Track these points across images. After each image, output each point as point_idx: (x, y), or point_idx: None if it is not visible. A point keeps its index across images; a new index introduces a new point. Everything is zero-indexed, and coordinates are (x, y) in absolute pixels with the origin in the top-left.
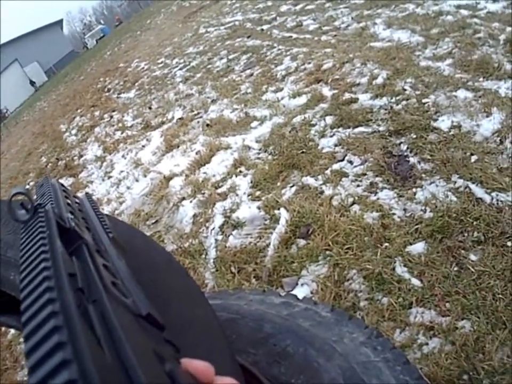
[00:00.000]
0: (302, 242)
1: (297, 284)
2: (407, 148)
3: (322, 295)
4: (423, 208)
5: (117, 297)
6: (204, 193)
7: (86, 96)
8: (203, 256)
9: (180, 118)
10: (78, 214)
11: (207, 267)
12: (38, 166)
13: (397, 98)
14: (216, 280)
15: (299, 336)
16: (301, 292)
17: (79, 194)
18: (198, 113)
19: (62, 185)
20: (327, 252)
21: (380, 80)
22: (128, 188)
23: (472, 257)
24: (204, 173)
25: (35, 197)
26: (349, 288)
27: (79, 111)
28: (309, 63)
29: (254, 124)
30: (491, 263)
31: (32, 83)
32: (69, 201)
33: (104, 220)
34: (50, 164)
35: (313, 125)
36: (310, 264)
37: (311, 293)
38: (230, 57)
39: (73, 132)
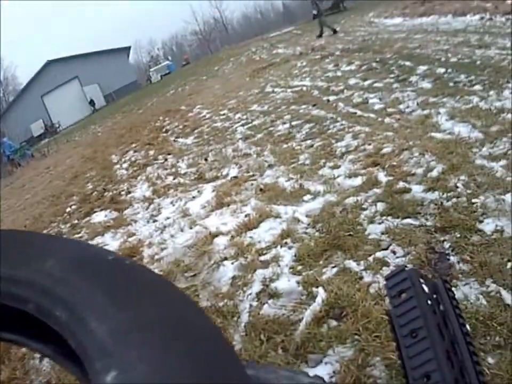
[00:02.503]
0: (333, 323)
1: (321, 362)
2: (450, 247)
3: (344, 376)
4: None
5: None
6: (246, 258)
7: (142, 132)
8: (235, 318)
9: (234, 177)
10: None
11: (237, 330)
12: (83, 191)
13: (448, 194)
14: (244, 345)
15: None
16: (324, 370)
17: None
18: (253, 176)
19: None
20: (356, 337)
21: (434, 174)
22: (172, 236)
23: (490, 360)
24: (250, 237)
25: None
26: (370, 373)
27: (133, 145)
28: (369, 144)
29: (307, 197)
30: (506, 367)
31: (92, 103)
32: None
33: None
34: (95, 193)
35: (364, 209)
36: (337, 346)
37: (333, 372)
38: (293, 123)
39: (125, 165)
